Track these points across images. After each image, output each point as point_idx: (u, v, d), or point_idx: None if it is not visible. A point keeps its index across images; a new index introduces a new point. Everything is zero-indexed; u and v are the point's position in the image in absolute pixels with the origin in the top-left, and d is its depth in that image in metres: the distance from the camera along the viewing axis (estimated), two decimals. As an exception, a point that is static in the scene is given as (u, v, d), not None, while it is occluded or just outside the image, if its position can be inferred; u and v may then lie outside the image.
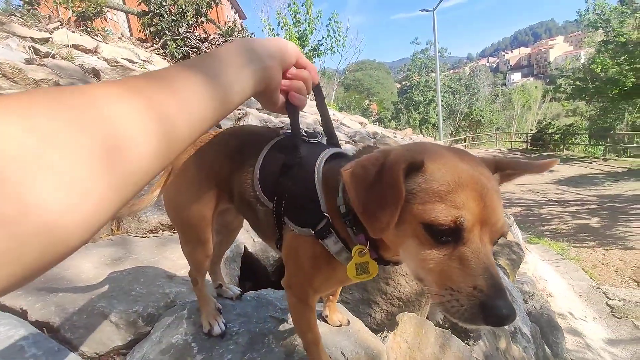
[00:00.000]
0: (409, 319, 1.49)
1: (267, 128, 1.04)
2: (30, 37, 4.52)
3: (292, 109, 0.79)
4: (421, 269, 0.62)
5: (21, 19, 5.19)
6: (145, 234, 2.02)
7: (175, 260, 1.66)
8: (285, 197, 0.82)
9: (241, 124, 4.78)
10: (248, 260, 1.98)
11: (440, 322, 2.18)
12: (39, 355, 1.01)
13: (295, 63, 0.75)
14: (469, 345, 1.96)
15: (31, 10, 5.43)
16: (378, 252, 0.74)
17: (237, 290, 1.36)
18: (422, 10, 23.91)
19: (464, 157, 0.65)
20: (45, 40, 4.68)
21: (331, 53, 18.05)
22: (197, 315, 1.19)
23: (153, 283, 1.47)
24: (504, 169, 0.71)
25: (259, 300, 1.32)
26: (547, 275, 7.15)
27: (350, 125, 8.85)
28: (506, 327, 2.65)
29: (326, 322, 1.26)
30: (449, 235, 0.59)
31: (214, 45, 7.24)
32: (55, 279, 1.47)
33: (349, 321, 1.29)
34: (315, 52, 17.62)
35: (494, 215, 0.60)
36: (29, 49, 4.09)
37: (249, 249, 1.97)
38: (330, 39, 17.67)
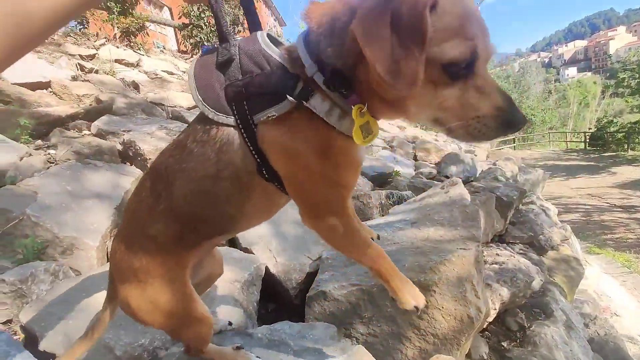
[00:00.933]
0: (445, 362, 1.29)
1: None
2: (79, 55, 4.78)
3: None
4: (440, 110, 0.63)
5: (73, 38, 5.53)
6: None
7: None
8: (244, 95, 0.68)
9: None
10: (271, 282, 1.87)
11: (485, 357, 1.93)
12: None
13: None
14: (519, 387, 1.70)
15: (81, 29, 5.78)
16: (371, 111, 0.68)
17: (224, 322, 1.23)
18: (465, 7, 22.88)
19: None
20: (92, 57, 4.94)
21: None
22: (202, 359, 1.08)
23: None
24: None
25: (270, 339, 1.19)
26: (612, 292, 6.45)
27: (388, 130, 8.57)
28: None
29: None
30: (463, 70, 0.59)
31: (250, 54, 7.33)
32: (71, 302, 1.43)
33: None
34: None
35: (489, 37, 0.61)
36: (76, 66, 4.32)
37: (271, 270, 1.85)
38: (369, 41, 17.43)
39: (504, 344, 2.27)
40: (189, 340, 0.97)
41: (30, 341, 1.33)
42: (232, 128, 0.70)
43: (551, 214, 4.85)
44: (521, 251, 3.61)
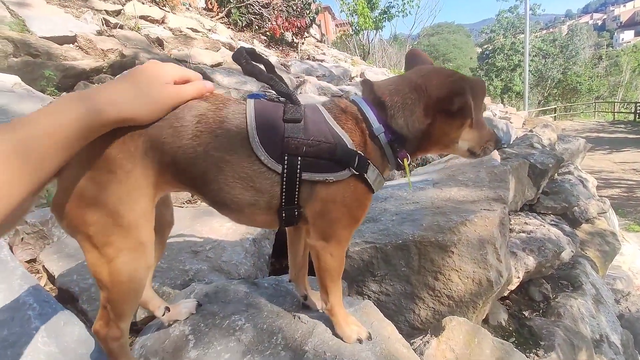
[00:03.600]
0: (458, 324, 1.23)
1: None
2: (105, 10, 4.75)
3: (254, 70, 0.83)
4: (471, 141, 0.91)
5: (100, -6, 5.49)
6: (183, 203, 1.98)
7: (204, 235, 1.58)
8: (301, 153, 0.78)
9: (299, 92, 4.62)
10: (285, 237, 1.85)
11: (504, 324, 1.87)
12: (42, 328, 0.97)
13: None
14: (537, 356, 1.63)
15: (108, -16, 5.70)
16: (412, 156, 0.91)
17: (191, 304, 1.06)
18: (512, -39, 20.86)
19: None
20: (118, 12, 4.90)
21: (403, 15, 16.83)
22: (205, 302, 1.07)
23: (175, 258, 1.40)
24: None
25: (277, 289, 1.17)
26: (648, 270, 6.12)
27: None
28: (589, 334, 2.22)
29: (307, 307, 1.06)
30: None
31: (276, 12, 7.05)
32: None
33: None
34: (385, 15, 16.53)
35: None
36: (101, 21, 4.30)
37: (286, 226, 1.82)
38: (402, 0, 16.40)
39: (525, 313, 2.19)
40: (110, 285, 0.75)
41: (50, 279, 1.39)
42: (274, 172, 0.78)
43: (589, 186, 4.55)
44: (552, 222, 3.42)
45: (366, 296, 1.52)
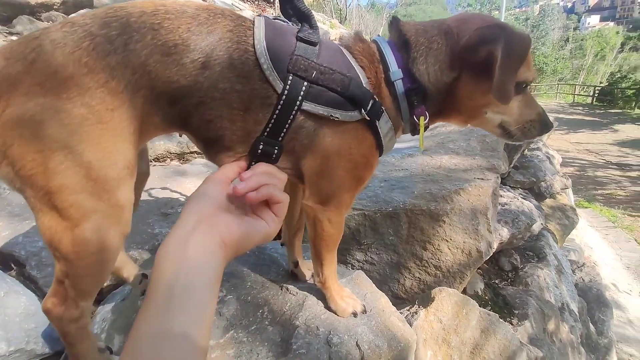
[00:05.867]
0: (448, 295, 1.19)
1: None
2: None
3: None
4: (506, 115, 0.76)
5: None
6: (150, 162, 1.79)
7: (175, 196, 1.42)
8: (310, 77, 0.65)
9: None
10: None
11: (480, 293, 1.89)
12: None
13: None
14: (512, 324, 1.66)
15: None
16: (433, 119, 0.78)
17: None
18: None
19: None
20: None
21: (383, -20, 16.23)
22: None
23: (143, 221, 1.24)
24: None
25: (260, 257, 1.06)
26: (593, 243, 6.69)
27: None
28: (554, 302, 2.32)
29: (296, 276, 0.97)
30: (523, 88, 0.75)
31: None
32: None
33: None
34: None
35: None
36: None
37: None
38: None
39: (496, 282, 2.25)
40: (80, 252, 0.59)
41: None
42: (273, 90, 0.65)
43: (555, 162, 4.72)
44: (521, 195, 3.52)
45: (350, 265, 1.45)
